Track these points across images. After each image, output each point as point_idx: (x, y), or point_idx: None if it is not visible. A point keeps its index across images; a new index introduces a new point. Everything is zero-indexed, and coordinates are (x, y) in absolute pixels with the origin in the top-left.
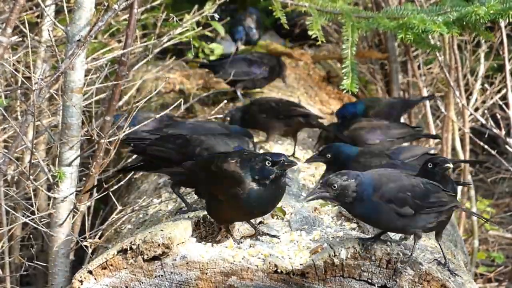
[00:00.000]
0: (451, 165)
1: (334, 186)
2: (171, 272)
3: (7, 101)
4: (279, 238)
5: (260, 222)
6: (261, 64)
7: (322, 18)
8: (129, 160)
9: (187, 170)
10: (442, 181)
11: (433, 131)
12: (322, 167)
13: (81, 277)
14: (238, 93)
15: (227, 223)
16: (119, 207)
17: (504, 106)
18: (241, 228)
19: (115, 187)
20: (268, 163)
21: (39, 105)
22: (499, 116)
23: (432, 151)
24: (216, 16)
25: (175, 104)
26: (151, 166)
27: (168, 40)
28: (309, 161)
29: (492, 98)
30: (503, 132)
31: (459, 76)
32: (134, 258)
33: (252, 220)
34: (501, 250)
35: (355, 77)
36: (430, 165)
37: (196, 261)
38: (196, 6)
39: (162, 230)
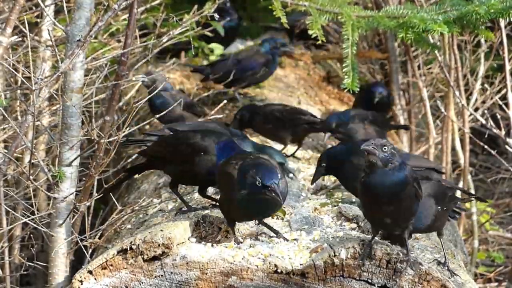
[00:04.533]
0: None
1: (385, 148)
2: (171, 272)
3: (7, 101)
4: (277, 236)
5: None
6: (253, 62)
7: (322, 18)
8: (129, 160)
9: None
10: None
11: (433, 131)
12: None
13: (81, 277)
14: (236, 95)
15: (231, 221)
16: (119, 207)
17: (504, 106)
18: (241, 228)
19: None
20: (258, 183)
21: (39, 105)
22: (499, 116)
23: (441, 168)
24: (216, 16)
25: (175, 104)
26: (152, 166)
27: (168, 40)
28: (314, 180)
29: (492, 98)
30: (503, 132)
31: (459, 76)
32: (134, 258)
33: (252, 221)
34: (501, 250)
35: (356, 76)
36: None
37: (196, 261)
38: (196, 6)
39: (162, 230)
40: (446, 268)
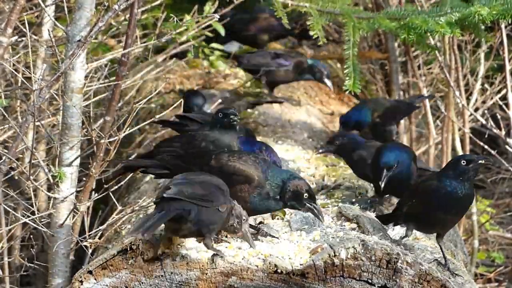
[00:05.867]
0: (483, 161)
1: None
2: (171, 272)
3: (7, 101)
4: (278, 239)
5: (260, 222)
6: (287, 57)
7: (322, 19)
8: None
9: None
10: (471, 180)
11: (433, 131)
12: (322, 167)
13: (81, 277)
14: (264, 83)
15: None
16: (119, 207)
17: (504, 106)
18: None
19: (115, 187)
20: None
21: (39, 105)
22: (499, 116)
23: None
24: (216, 16)
25: (175, 105)
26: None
27: (167, 40)
28: (320, 152)
29: (492, 98)
30: (503, 132)
31: (459, 76)
32: (134, 258)
33: (252, 221)
34: (501, 250)
35: (358, 77)
36: (463, 162)
37: (196, 261)
38: (196, 6)
39: (162, 231)
40: (447, 268)
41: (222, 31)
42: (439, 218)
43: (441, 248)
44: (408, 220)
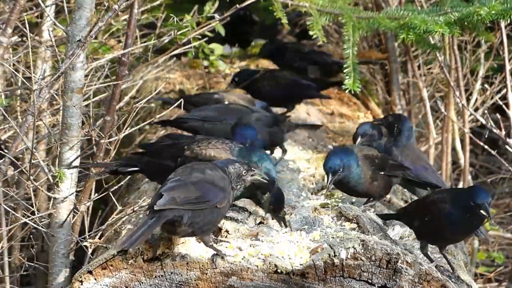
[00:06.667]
0: (486, 215)
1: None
2: (171, 272)
3: (7, 101)
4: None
5: (261, 222)
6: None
7: (322, 19)
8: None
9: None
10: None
11: (433, 131)
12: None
13: (81, 277)
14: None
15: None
16: (119, 207)
17: (504, 107)
18: (241, 228)
19: (115, 187)
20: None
21: (39, 105)
22: (499, 117)
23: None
24: (217, 16)
25: (175, 104)
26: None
27: (172, 41)
28: (328, 189)
29: (492, 98)
30: (503, 132)
31: (459, 76)
32: (134, 258)
33: (252, 221)
34: (501, 250)
35: (357, 77)
36: (472, 203)
37: (196, 261)
38: (196, 6)
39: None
40: (456, 276)
41: (222, 32)
42: (447, 237)
43: (445, 257)
44: (421, 237)
